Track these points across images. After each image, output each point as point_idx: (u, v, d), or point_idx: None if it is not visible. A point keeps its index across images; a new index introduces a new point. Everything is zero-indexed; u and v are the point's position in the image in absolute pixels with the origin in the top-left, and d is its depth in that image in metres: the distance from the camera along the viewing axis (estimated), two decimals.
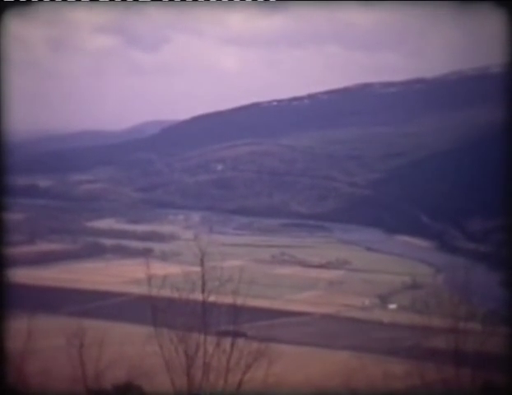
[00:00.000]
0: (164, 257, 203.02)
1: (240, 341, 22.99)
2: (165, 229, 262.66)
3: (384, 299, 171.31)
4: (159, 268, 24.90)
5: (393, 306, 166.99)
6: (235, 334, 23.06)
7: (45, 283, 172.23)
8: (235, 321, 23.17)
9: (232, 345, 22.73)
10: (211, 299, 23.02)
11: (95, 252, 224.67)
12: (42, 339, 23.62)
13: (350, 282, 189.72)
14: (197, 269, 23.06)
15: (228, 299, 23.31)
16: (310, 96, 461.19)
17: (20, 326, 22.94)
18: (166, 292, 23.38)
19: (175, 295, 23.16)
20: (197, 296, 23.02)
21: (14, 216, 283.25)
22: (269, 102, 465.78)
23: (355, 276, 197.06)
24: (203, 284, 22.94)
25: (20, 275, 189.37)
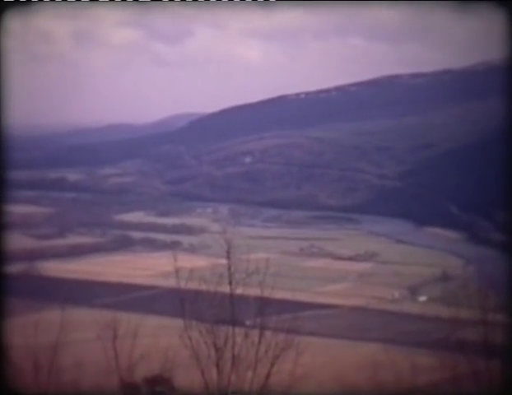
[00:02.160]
0: (192, 249, 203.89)
1: (268, 333, 23.02)
2: (193, 221, 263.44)
3: (413, 292, 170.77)
4: (187, 261, 24.97)
5: (422, 298, 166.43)
6: (263, 326, 23.07)
7: (74, 276, 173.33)
8: (263, 313, 23.22)
9: (260, 336, 22.77)
10: (239, 291, 23.06)
11: (123, 245, 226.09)
12: (75, 332, 23.75)
13: (379, 274, 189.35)
14: (222, 261, 23.15)
15: (256, 292, 23.34)
16: (338, 88, 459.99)
17: (52, 318, 23.12)
18: (194, 284, 23.46)
19: (203, 287, 23.23)
20: (225, 289, 23.09)
21: (44, 210, 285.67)
22: (297, 94, 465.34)
23: (384, 268, 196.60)
24: (230, 276, 22.98)
25: (51, 268, 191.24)
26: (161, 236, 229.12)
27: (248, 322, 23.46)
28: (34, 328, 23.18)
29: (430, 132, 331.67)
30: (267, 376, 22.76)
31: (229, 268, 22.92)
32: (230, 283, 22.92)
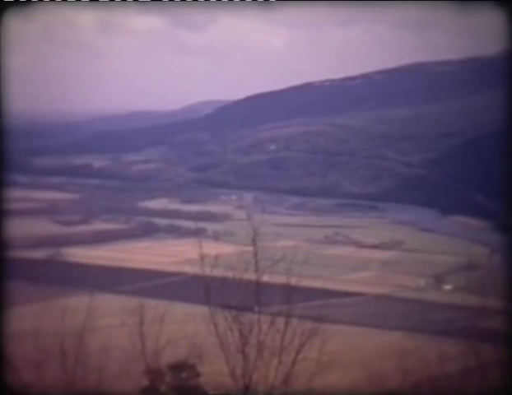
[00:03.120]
0: (217, 237, 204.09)
1: (294, 321, 23.04)
2: (217, 209, 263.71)
3: (438, 280, 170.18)
4: (212, 248, 24.99)
5: (448, 287, 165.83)
6: (289, 314, 23.08)
7: (99, 262, 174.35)
8: (288, 300, 23.22)
9: (286, 324, 22.79)
10: (265, 278, 23.07)
11: (148, 231, 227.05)
12: (101, 317, 23.89)
13: (404, 263, 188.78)
14: (248, 248, 23.14)
15: (281, 279, 23.34)
16: (363, 76, 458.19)
17: (79, 304, 23.26)
18: (219, 271, 23.49)
19: (229, 274, 23.27)
20: (251, 276, 23.11)
21: (69, 196, 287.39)
22: (322, 82, 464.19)
23: (409, 256, 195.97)
24: (256, 263, 22.99)
25: (76, 254, 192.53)
26: (185, 223, 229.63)
27: (273, 310, 23.49)
28: (62, 314, 23.32)
29: (455, 119, 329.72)
30: (293, 363, 22.79)
31: (255, 255, 22.93)
32: (257, 270, 22.93)
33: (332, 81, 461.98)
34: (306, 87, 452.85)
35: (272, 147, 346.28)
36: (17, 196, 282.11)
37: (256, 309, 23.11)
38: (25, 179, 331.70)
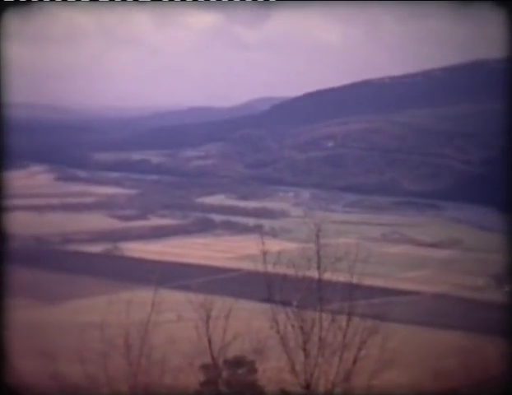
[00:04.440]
0: (273, 233, 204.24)
1: (355, 318, 23.10)
2: (274, 205, 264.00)
3: (498, 280, 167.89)
4: (270, 244, 25.13)
5: (507, 287, 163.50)
6: (351, 311, 23.13)
7: (156, 257, 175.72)
8: (350, 298, 23.27)
9: (348, 321, 22.85)
10: (326, 275, 23.16)
11: (205, 227, 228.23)
12: (164, 312, 24.19)
13: (462, 261, 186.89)
14: (308, 246, 23.22)
15: (342, 277, 23.38)
16: (424, 73, 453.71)
17: (142, 298, 23.59)
18: (281, 268, 23.63)
19: (290, 271, 23.40)
20: (312, 273, 23.20)
21: (127, 191, 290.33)
22: (381, 79, 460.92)
23: (467, 255, 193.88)
24: (319, 260, 23.09)
25: (133, 249, 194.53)
26: (242, 219, 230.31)
27: (334, 307, 23.57)
28: (127, 307, 23.68)
29: None
30: (354, 361, 22.85)
31: (317, 252, 23.02)
32: (319, 267, 23.02)
33: (392, 78, 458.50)
34: (365, 84, 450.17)
35: (330, 144, 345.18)
36: (76, 190, 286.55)
37: (317, 306, 23.23)
38: (85, 174, 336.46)
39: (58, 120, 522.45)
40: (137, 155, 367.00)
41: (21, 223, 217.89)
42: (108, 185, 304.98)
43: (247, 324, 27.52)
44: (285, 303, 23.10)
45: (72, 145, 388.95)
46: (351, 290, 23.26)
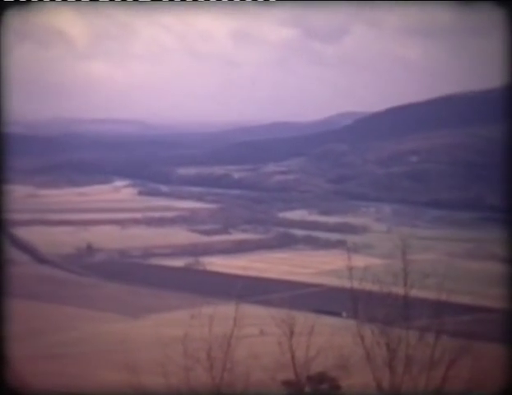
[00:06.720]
0: (355, 249, 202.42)
1: (444, 336, 22.49)
2: (356, 221, 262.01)
3: None
4: (353, 260, 24.71)
5: None
6: (440, 329, 22.51)
7: (238, 272, 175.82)
8: (438, 315, 22.71)
9: (436, 338, 22.23)
10: (413, 292, 22.66)
11: (286, 242, 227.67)
12: (246, 326, 23.94)
13: None
14: (393, 261, 22.78)
15: (429, 293, 22.82)
16: (508, 87, 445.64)
17: (224, 312, 23.41)
18: (367, 284, 23.19)
19: (375, 287, 22.96)
20: (398, 289, 22.74)
21: (209, 206, 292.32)
22: (464, 93, 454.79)
23: None
24: (406, 276, 22.61)
25: (215, 263, 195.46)
26: (324, 235, 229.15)
27: (421, 324, 23.01)
28: (209, 321, 23.55)
29: None
30: (444, 379, 22.18)
31: (404, 269, 22.53)
32: (406, 284, 22.54)
33: (475, 92, 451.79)
34: (446, 99, 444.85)
35: (413, 159, 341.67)
36: (159, 205, 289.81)
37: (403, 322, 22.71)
38: (167, 189, 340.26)
39: (141, 135, 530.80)
40: (219, 170, 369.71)
41: (105, 237, 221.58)
42: (190, 200, 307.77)
43: (329, 340, 27.10)
44: (370, 319, 22.66)
45: (156, 160, 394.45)
46: (440, 307, 22.68)
